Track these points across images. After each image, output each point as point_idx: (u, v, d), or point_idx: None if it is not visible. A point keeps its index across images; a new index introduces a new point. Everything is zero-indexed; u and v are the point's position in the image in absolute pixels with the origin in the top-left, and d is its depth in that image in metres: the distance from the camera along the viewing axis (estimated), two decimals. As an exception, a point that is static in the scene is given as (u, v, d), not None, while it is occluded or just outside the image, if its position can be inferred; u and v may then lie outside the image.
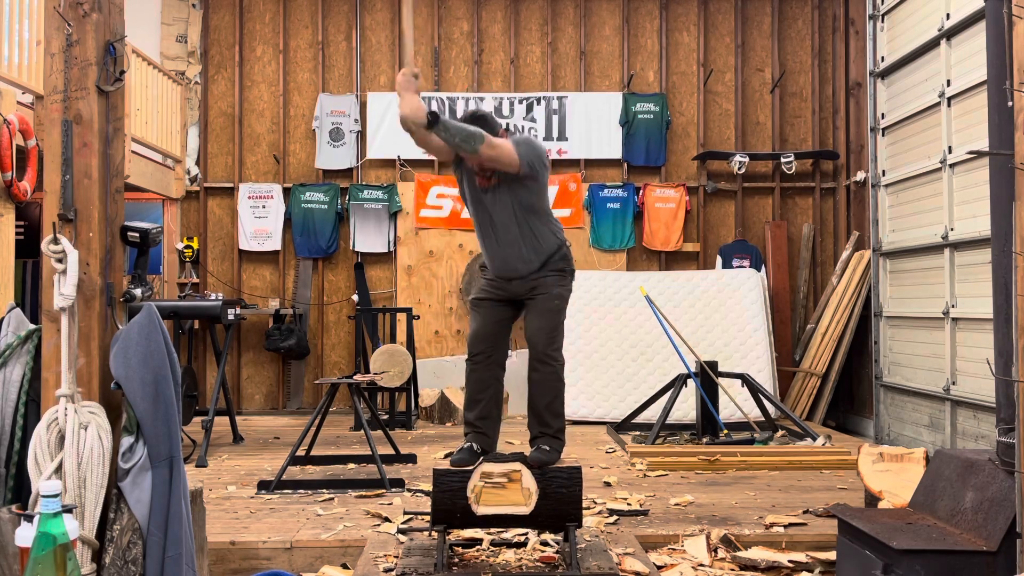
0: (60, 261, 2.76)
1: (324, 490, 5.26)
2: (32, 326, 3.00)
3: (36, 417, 2.83)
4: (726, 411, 7.32)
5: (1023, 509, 2.90)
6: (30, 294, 8.12)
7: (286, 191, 9.26)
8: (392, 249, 9.22)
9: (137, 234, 3.06)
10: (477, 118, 3.81)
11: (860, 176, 8.76)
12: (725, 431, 6.79)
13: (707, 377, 6.95)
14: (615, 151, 9.31)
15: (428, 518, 3.96)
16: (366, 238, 9.20)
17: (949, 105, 6.70)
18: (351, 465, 6.00)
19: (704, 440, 6.75)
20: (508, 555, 3.78)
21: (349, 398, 7.90)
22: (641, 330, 8.27)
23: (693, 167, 9.42)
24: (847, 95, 9.17)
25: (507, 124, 9.25)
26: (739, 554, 3.97)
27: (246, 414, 8.89)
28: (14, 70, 5.92)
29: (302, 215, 9.19)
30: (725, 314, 8.38)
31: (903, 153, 7.60)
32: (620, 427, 7.39)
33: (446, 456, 5.35)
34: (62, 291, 2.74)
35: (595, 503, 4.82)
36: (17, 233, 6.39)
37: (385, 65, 9.41)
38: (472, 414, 3.89)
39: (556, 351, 3.87)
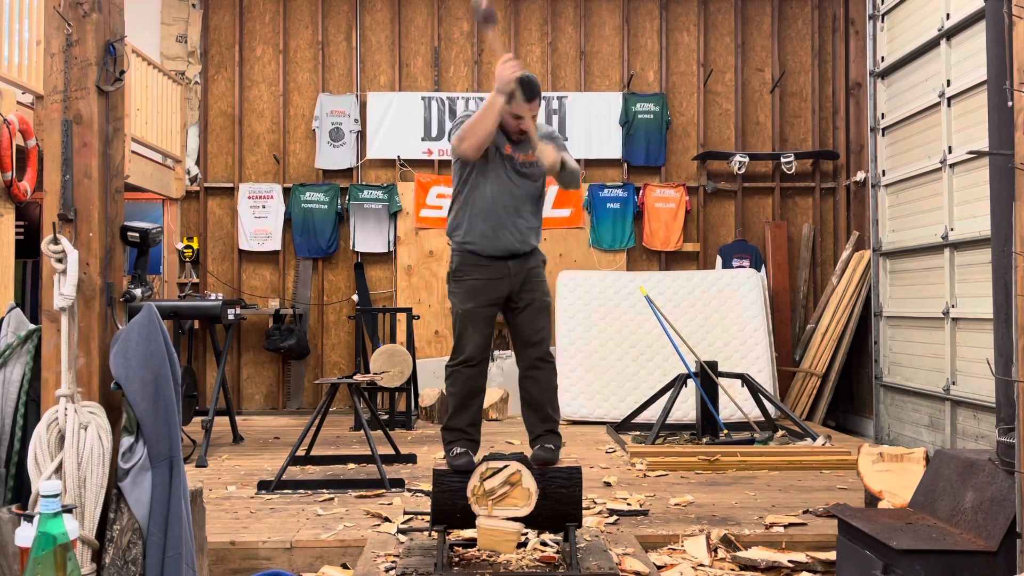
0: (60, 261, 2.76)
1: (324, 490, 5.25)
2: (32, 326, 3.00)
3: (36, 417, 2.83)
4: (726, 411, 7.32)
5: (1023, 509, 2.90)
6: (30, 294, 8.12)
7: (286, 191, 9.26)
8: (392, 249, 9.23)
9: (137, 234, 3.06)
10: (536, 87, 3.88)
11: (860, 176, 8.76)
12: (725, 431, 6.79)
13: (707, 377, 6.95)
14: (615, 151, 9.31)
15: (428, 518, 3.96)
16: (366, 238, 9.20)
17: (949, 105, 6.70)
18: (351, 465, 6.00)
19: (704, 440, 6.74)
20: (508, 555, 3.77)
21: (349, 398, 7.90)
22: (641, 330, 8.27)
23: (693, 167, 9.42)
24: (847, 95, 9.17)
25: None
26: (739, 554, 3.97)
27: (246, 414, 8.89)
28: (14, 70, 5.92)
29: (302, 215, 9.19)
30: (725, 314, 8.38)
31: (903, 153, 7.59)
32: (620, 427, 7.39)
33: (445, 457, 5.34)
34: (62, 291, 2.74)
35: (595, 503, 4.82)
36: (17, 233, 6.39)
37: (385, 65, 9.41)
38: (463, 420, 3.88)
39: (550, 347, 3.98)
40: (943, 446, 6.53)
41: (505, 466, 3.52)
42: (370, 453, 5.74)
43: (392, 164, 9.30)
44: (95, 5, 2.85)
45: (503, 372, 8.58)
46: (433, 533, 3.67)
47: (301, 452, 5.70)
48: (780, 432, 7.01)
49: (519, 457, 3.61)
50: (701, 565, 3.87)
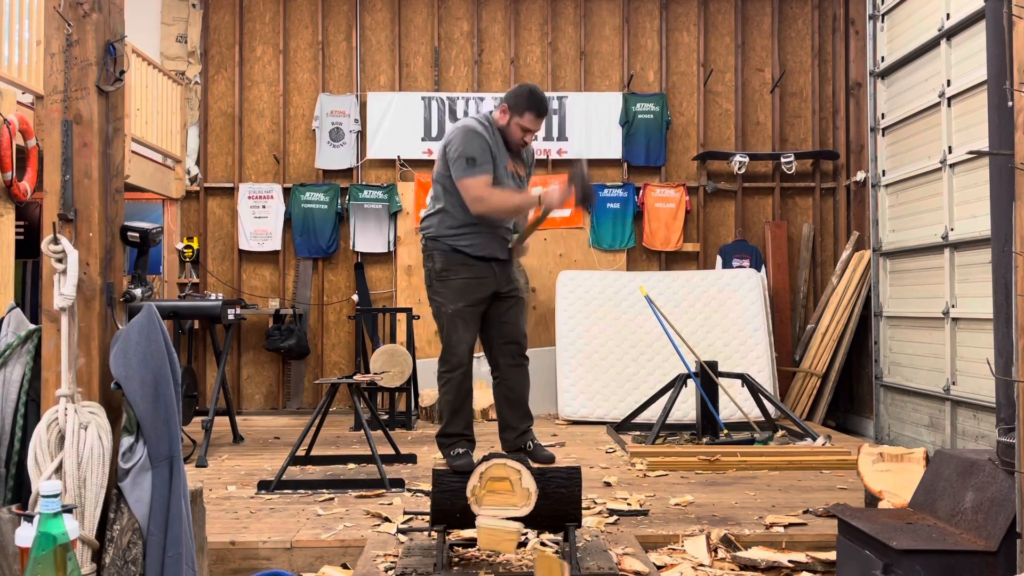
0: (60, 261, 2.76)
1: (324, 490, 5.26)
2: (32, 326, 3.00)
3: (36, 417, 2.83)
4: (726, 411, 7.32)
5: (1023, 509, 2.90)
6: (30, 294, 8.12)
7: (286, 191, 9.26)
8: (392, 249, 9.23)
9: (137, 234, 3.06)
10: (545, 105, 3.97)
11: (860, 176, 8.76)
12: (725, 431, 6.79)
13: (707, 377, 6.95)
14: (615, 151, 9.31)
15: (428, 518, 3.96)
16: (366, 238, 9.20)
17: (949, 105, 6.70)
18: (351, 465, 6.00)
19: (704, 440, 6.74)
20: (508, 555, 3.77)
21: (349, 398, 7.90)
22: (641, 330, 8.27)
23: (693, 167, 9.42)
24: (847, 95, 9.17)
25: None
26: (739, 554, 3.97)
27: (246, 414, 8.89)
28: (14, 70, 5.92)
29: (302, 215, 9.19)
30: (725, 314, 8.38)
31: (903, 153, 7.59)
32: (620, 427, 7.39)
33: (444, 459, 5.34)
34: (62, 291, 2.74)
35: (595, 503, 4.82)
36: (17, 233, 6.39)
37: (385, 65, 9.41)
38: (460, 424, 3.91)
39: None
40: (943, 446, 6.53)
41: (504, 466, 3.52)
42: (370, 453, 5.74)
43: (392, 164, 9.30)
44: (95, 5, 2.85)
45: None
46: (433, 533, 3.67)
47: (301, 452, 5.70)
48: (780, 432, 7.01)
49: (519, 457, 3.62)
50: (701, 565, 3.86)
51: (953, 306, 6.58)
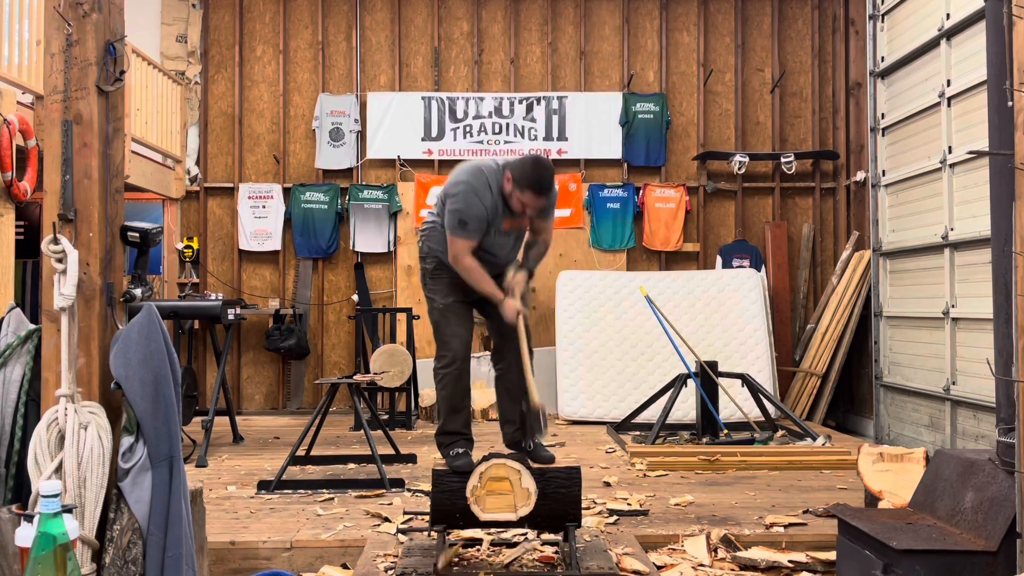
0: (60, 261, 2.76)
1: (324, 490, 5.25)
2: (32, 326, 3.01)
3: (36, 417, 2.83)
4: (726, 411, 7.31)
5: (1023, 509, 2.90)
6: (30, 294, 8.12)
7: (286, 191, 9.26)
8: (392, 249, 9.22)
9: (137, 234, 3.07)
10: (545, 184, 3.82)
11: (860, 176, 8.76)
12: (725, 431, 6.79)
13: (707, 377, 6.95)
14: (615, 151, 9.31)
15: (428, 518, 3.96)
16: (366, 238, 9.20)
17: (949, 105, 6.70)
18: (351, 465, 6.00)
19: (704, 440, 6.74)
20: (508, 555, 3.77)
21: (349, 398, 7.90)
22: (641, 330, 8.27)
23: (693, 167, 9.42)
24: (847, 95, 9.17)
25: (507, 124, 9.26)
26: (739, 554, 3.97)
27: (246, 414, 8.89)
28: (14, 70, 5.92)
29: (302, 215, 9.19)
30: (725, 314, 8.38)
31: (903, 153, 7.59)
32: (620, 427, 7.39)
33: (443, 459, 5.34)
34: (62, 291, 2.74)
35: (595, 503, 4.82)
36: (17, 233, 6.39)
37: (385, 65, 9.41)
38: (458, 422, 3.92)
39: None
40: (943, 446, 6.53)
41: (504, 466, 3.52)
42: (370, 453, 5.74)
43: (392, 164, 9.30)
44: (95, 5, 2.85)
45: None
46: (433, 533, 3.67)
47: (301, 452, 5.70)
48: (780, 432, 7.01)
49: (519, 457, 3.62)
50: (701, 565, 3.86)
51: (953, 306, 6.58)
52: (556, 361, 8.36)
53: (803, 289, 9.24)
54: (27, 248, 7.47)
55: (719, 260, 9.18)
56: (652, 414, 7.31)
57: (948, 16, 6.69)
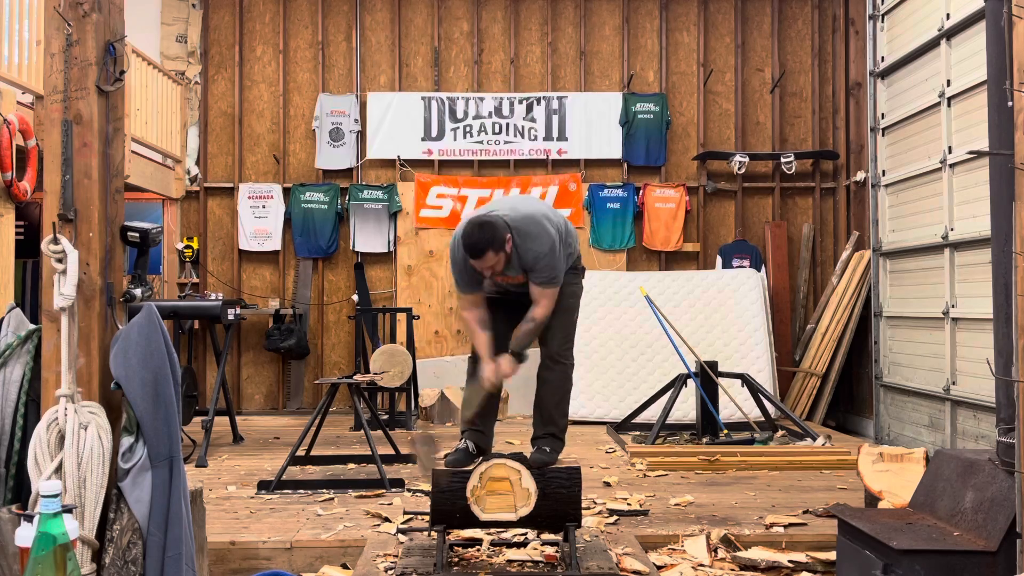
0: (60, 261, 2.76)
1: (324, 490, 5.25)
2: (32, 326, 3.01)
3: (36, 417, 2.83)
4: (726, 411, 7.31)
5: (1023, 509, 2.90)
6: (30, 294, 8.12)
7: (286, 191, 9.26)
8: (392, 249, 9.23)
9: (137, 234, 3.06)
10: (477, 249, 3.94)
11: (860, 176, 8.76)
12: (725, 431, 6.79)
13: (707, 377, 6.95)
14: (615, 151, 9.31)
15: (428, 518, 3.96)
16: (366, 238, 9.20)
17: (949, 105, 6.70)
18: (351, 465, 6.00)
19: (704, 440, 6.74)
20: (508, 555, 3.77)
21: (349, 398, 7.90)
22: (641, 330, 8.27)
23: (693, 167, 9.42)
24: (847, 95, 9.17)
25: (507, 124, 9.26)
26: (739, 554, 3.97)
27: (246, 414, 8.89)
28: (14, 70, 5.92)
29: (302, 215, 9.19)
30: (725, 314, 8.38)
31: (903, 153, 7.60)
32: (620, 427, 7.39)
33: (444, 456, 5.35)
34: (62, 291, 2.74)
35: (595, 503, 4.82)
36: (17, 233, 6.39)
37: (385, 65, 9.41)
38: (473, 412, 3.91)
39: (568, 351, 3.96)
40: (943, 446, 6.53)
41: (504, 466, 3.52)
42: (370, 453, 5.74)
43: (392, 164, 9.30)
44: (95, 5, 2.86)
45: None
46: (433, 533, 3.67)
47: (301, 452, 5.69)
48: (780, 432, 7.01)
49: (518, 457, 3.62)
50: (701, 565, 3.86)
51: (953, 306, 6.58)
52: (556, 361, 8.35)
53: (803, 289, 9.24)
54: (27, 248, 7.47)
55: (719, 260, 9.18)
56: (652, 414, 7.31)
57: (948, 16, 6.69)
